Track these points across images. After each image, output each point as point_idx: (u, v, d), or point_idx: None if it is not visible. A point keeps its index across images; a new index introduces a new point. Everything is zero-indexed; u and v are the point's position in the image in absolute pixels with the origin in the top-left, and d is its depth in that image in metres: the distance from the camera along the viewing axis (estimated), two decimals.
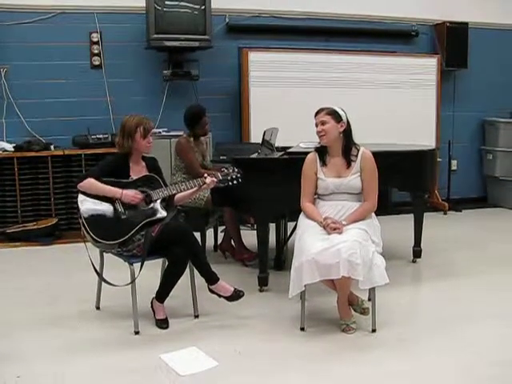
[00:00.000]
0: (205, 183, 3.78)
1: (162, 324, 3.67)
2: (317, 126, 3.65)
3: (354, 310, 3.68)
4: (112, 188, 3.62)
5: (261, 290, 4.32)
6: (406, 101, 7.01)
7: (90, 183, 3.60)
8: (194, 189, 3.82)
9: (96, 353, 3.31)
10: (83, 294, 4.19)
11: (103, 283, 3.75)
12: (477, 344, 3.40)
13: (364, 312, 3.66)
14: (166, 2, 6.06)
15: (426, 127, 7.14)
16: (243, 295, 3.75)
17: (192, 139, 5.01)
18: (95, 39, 6.25)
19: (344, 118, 3.64)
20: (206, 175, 3.83)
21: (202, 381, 3.00)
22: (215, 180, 3.81)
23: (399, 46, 7.28)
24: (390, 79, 6.97)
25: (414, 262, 5.06)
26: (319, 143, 3.72)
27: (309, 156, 3.74)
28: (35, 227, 5.78)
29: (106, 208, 3.62)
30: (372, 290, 3.57)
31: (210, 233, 5.28)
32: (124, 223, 3.60)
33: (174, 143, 5.14)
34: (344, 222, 3.51)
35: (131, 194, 3.62)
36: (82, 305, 4.04)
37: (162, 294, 3.70)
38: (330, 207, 3.64)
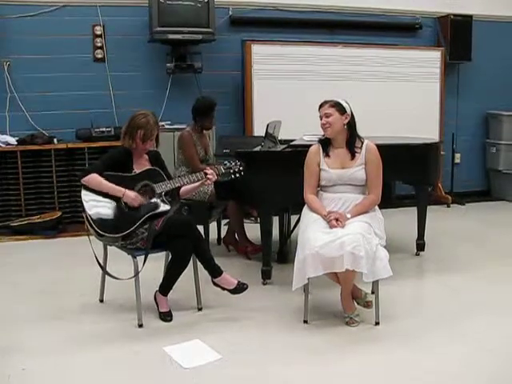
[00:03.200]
0: (207, 177, 3.78)
1: (166, 317, 3.68)
2: (321, 118, 3.65)
3: (358, 304, 3.68)
4: (115, 187, 3.62)
5: (264, 283, 4.32)
6: (410, 94, 6.99)
7: (94, 179, 3.60)
8: (198, 183, 3.82)
9: (99, 345, 3.33)
10: (87, 287, 4.21)
11: (107, 276, 3.77)
12: (480, 337, 3.40)
13: (367, 305, 3.66)
14: None
15: (430, 120, 7.11)
16: (247, 288, 3.75)
17: (195, 133, 5.00)
18: (98, 32, 6.24)
19: (348, 110, 3.64)
20: (208, 169, 3.83)
21: (206, 373, 3.01)
22: (218, 174, 3.82)
23: (403, 39, 7.25)
24: (393, 72, 6.95)
25: (417, 254, 5.06)
26: (323, 135, 3.72)
27: (312, 148, 3.74)
28: (39, 220, 5.79)
29: (109, 201, 3.63)
30: (375, 283, 3.58)
31: (213, 226, 5.28)
32: (127, 216, 3.60)
33: (178, 136, 5.14)
34: (348, 216, 3.51)
35: (132, 197, 3.61)
36: (86, 298, 4.05)
37: (165, 287, 3.71)
38: (333, 200, 3.64)
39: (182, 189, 3.86)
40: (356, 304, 3.67)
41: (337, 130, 3.63)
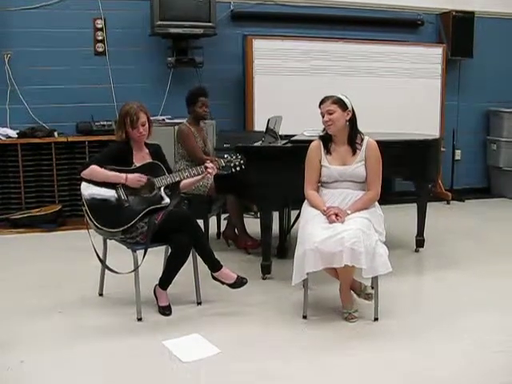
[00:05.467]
0: (207, 170, 3.78)
1: (165, 311, 3.68)
2: (323, 115, 3.63)
3: (358, 296, 3.69)
4: (116, 173, 3.62)
5: (264, 278, 4.32)
6: (411, 90, 6.98)
7: (94, 170, 3.60)
8: (198, 177, 3.82)
9: (99, 339, 3.33)
10: (86, 281, 4.21)
11: (106, 270, 3.77)
12: (478, 333, 3.41)
13: (368, 297, 3.66)
14: None
15: (431, 116, 7.11)
16: (246, 282, 3.75)
17: (192, 126, 5.01)
18: (99, 26, 6.23)
19: (349, 106, 3.63)
20: (208, 162, 3.83)
21: (205, 367, 3.01)
22: (218, 167, 3.82)
23: (404, 35, 7.24)
24: (394, 68, 6.94)
25: (416, 251, 5.07)
26: (323, 131, 3.71)
27: (313, 143, 3.74)
28: (39, 213, 5.79)
29: (109, 195, 3.63)
30: (375, 279, 3.58)
31: (213, 220, 5.28)
32: (127, 211, 3.61)
33: (176, 130, 5.15)
34: (348, 212, 3.51)
35: (136, 178, 3.62)
36: (85, 291, 4.05)
37: (164, 281, 3.71)
38: (333, 195, 3.64)
39: (182, 182, 3.85)
40: (356, 297, 3.68)
41: (340, 127, 3.61)
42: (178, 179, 3.78)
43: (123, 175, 3.62)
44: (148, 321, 3.58)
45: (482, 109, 7.74)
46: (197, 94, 5.04)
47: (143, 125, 3.72)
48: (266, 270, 4.33)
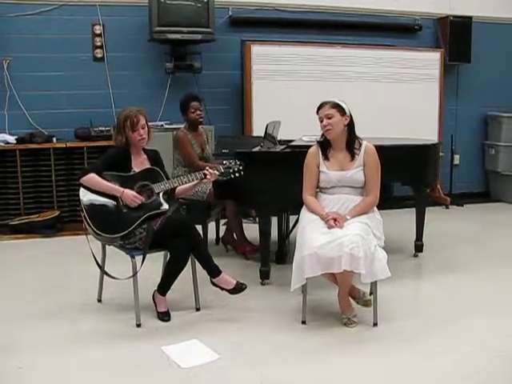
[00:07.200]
0: (206, 176, 3.78)
1: (164, 317, 3.67)
2: (321, 120, 3.63)
3: (357, 303, 3.68)
4: (113, 186, 3.62)
5: (262, 284, 4.32)
6: (409, 95, 6.99)
7: (93, 179, 3.60)
8: (195, 182, 3.82)
9: (97, 345, 3.32)
10: (85, 287, 4.21)
11: (105, 276, 3.76)
12: (478, 337, 3.41)
13: (367, 304, 3.66)
14: None
15: (429, 121, 7.11)
16: (245, 288, 3.75)
17: (189, 132, 5.02)
18: (98, 31, 6.24)
19: (347, 111, 3.63)
20: (207, 168, 3.83)
21: (203, 373, 3.01)
22: (217, 173, 3.82)
23: (402, 40, 7.25)
24: (392, 73, 6.96)
25: (415, 256, 5.07)
26: (321, 136, 3.71)
27: (311, 149, 3.74)
28: (38, 219, 5.79)
29: (107, 201, 3.63)
30: (374, 284, 3.58)
31: (211, 226, 5.28)
32: (126, 216, 3.60)
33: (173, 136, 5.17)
34: (347, 217, 3.51)
35: (131, 197, 3.61)
36: (84, 297, 4.05)
37: (163, 287, 3.70)
38: (332, 201, 3.64)
39: (178, 188, 3.85)
40: (355, 303, 3.67)
41: (338, 132, 3.61)
42: (176, 185, 3.78)
43: (120, 190, 3.61)
44: (147, 327, 3.58)
45: (480, 113, 7.75)
46: (187, 101, 5.06)
47: (143, 127, 3.73)
48: (264, 276, 4.32)
